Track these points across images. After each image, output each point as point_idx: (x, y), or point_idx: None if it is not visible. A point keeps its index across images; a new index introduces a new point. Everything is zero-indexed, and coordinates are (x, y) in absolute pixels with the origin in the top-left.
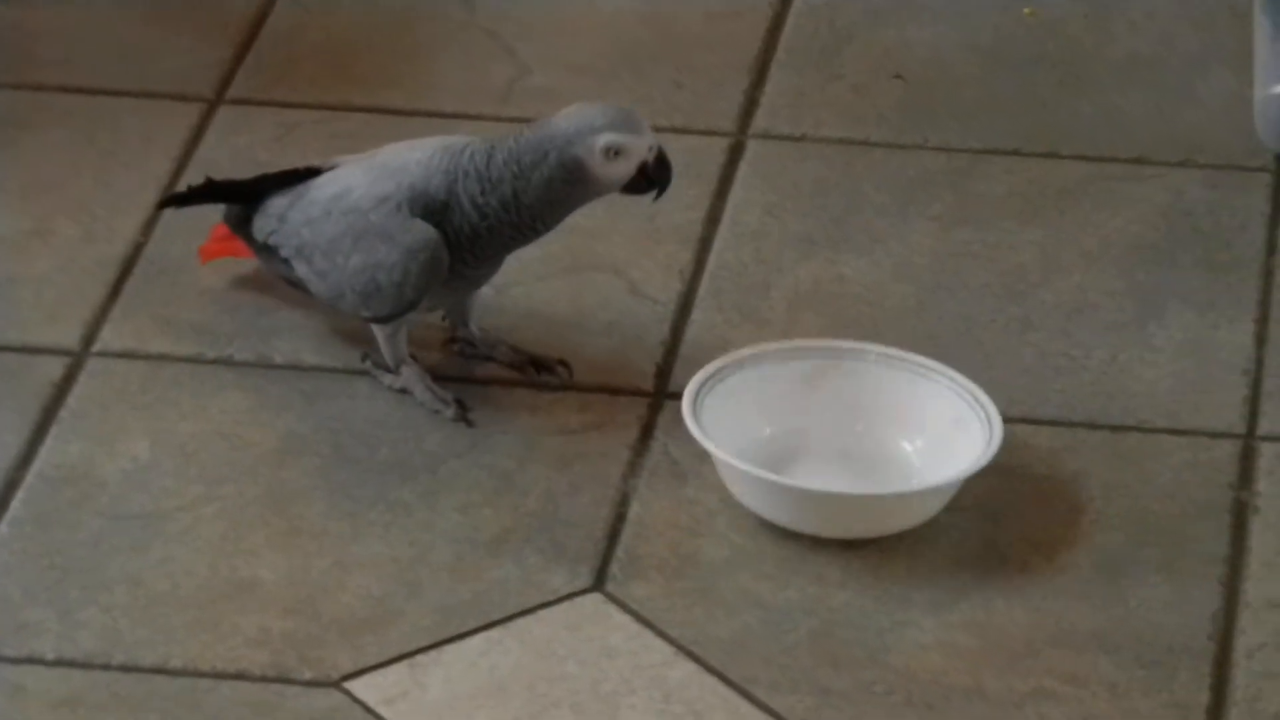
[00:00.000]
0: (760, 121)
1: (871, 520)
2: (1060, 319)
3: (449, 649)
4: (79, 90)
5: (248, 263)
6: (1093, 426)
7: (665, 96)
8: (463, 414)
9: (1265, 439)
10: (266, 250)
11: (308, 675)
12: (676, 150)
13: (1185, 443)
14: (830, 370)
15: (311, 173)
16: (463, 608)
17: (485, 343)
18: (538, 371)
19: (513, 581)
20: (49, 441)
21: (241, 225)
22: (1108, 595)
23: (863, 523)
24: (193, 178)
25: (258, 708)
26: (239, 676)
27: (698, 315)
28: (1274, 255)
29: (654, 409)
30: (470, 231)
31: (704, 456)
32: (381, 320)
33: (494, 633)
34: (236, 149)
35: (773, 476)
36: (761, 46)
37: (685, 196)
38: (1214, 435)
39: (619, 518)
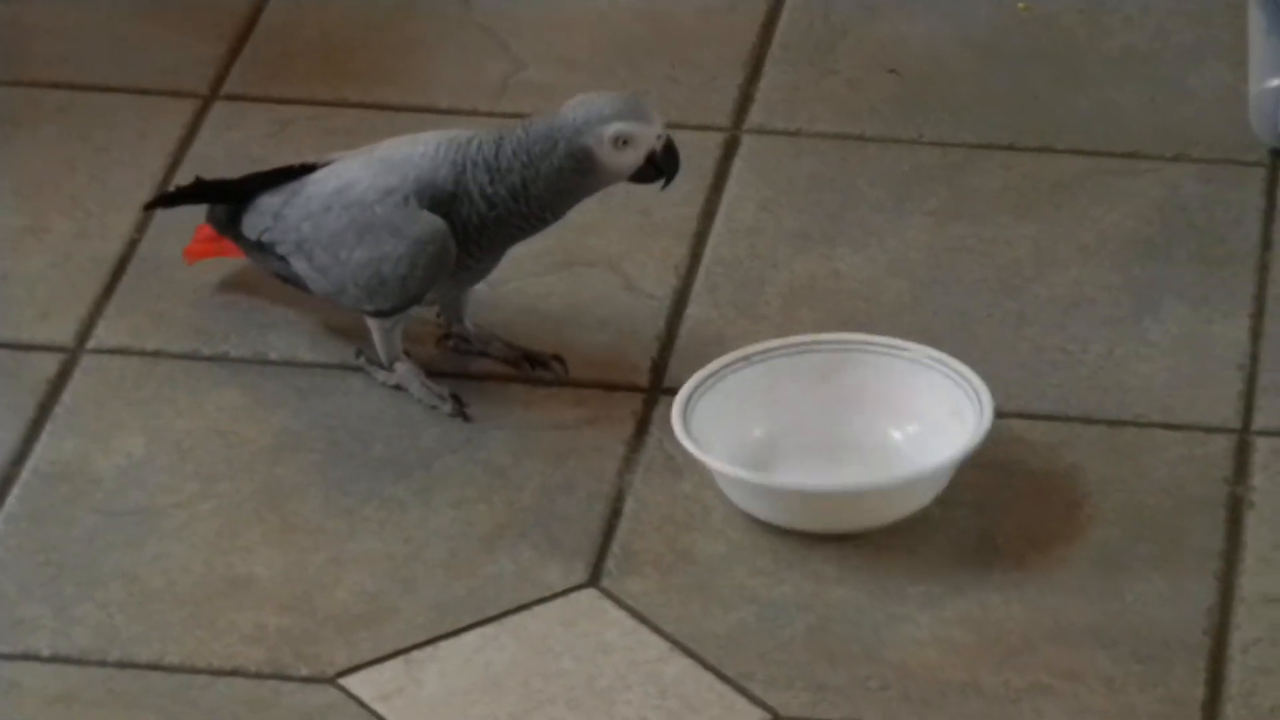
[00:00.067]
0: (755, 116)
1: (858, 513)
2: (1056, 314)
3: (444, 645)
4: (73, 86)
5: (239, 261)
6: (1088, 421)
7: (660, 91)
8: (460, 409)
9: (1260, 434)
10: (260, 248)
11: (303, 671)
12: None
13: (1181, 437)
14: (820, 364)
15: (305, 170)
16: (458, 604)
17: (480, 338)
18: (532, 367)
19: (508, 577)
20: (44, 438)
21: (229, 225)
22: (1103, 590)
23: (849, 516)
24: (187, 174)
25: (253, 704)
26: (235, 673)
27: (693, 310)
28: (1269, 250)
29: (649, 404)
30: (478, 222)
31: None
32: (384, 315)
33: (489, 628)
34: (231, 145)
35: (751, 475)
36: (756, 41)
37: (680, 191)
38: (1209, 430)
39: (614, 513)
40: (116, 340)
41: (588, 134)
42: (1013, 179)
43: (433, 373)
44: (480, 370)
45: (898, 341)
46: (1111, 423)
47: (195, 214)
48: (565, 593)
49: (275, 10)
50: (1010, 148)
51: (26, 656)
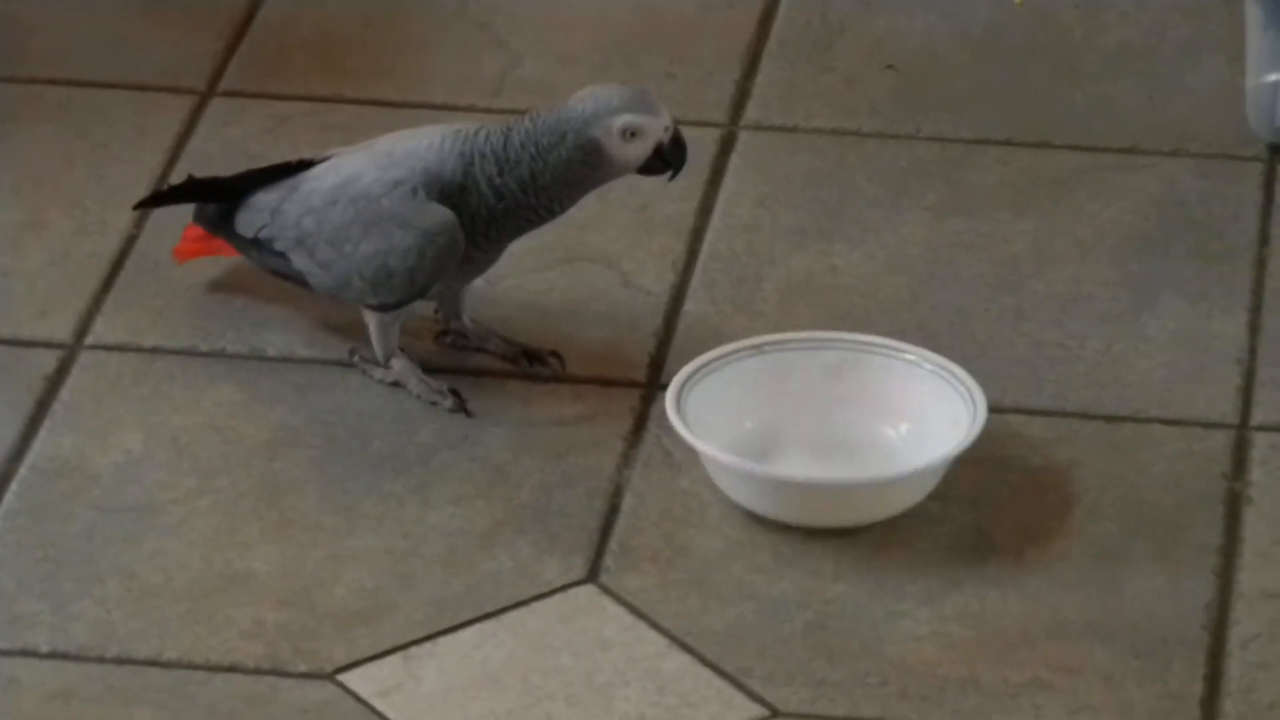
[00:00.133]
0: (752, 112)
1: (846, 508)
2: (1054, 309)
3: (443, 641)
4: (71, 83)
5: (234, 259)
6: (1086, 417)
7: (657, 87)
8: (460, 404)
9: (1259, 429)
10: (256, 245)
11: (302, 667)
12: None
13: (1179, 433)
14: (816, 360)
15: (301, 166)
16: (456, 600)
17: (477, 335)
18: (530, 363)
19: (506, 573)
20: (42, 434)
21: (220, 223)
22: (1102, 586)
23: (837, 510)
24: (185, 170)
25: (252, 700)
26: (233, 669)
27: (690, 306)
28: (1267, 245)
29: (647, 400)
30: (487, 214)
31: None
32: (388, 308)
33: (487, 625)
34: (228, 141)
35: (750, 465)
36: (753, 37)
37: (678, 188)
38: (1207, 425)
39: (612, 509)
40: (115, 337)
41: (596, 126)
42: (1010, 174)
43: (431, 369)
44: (478, 366)
45: (891, 342)
46: (1110, 418)
47: (192, 211)
48: (564, 589)
49: (272, 7)
50: (1008, 143)
51: (25, 653)
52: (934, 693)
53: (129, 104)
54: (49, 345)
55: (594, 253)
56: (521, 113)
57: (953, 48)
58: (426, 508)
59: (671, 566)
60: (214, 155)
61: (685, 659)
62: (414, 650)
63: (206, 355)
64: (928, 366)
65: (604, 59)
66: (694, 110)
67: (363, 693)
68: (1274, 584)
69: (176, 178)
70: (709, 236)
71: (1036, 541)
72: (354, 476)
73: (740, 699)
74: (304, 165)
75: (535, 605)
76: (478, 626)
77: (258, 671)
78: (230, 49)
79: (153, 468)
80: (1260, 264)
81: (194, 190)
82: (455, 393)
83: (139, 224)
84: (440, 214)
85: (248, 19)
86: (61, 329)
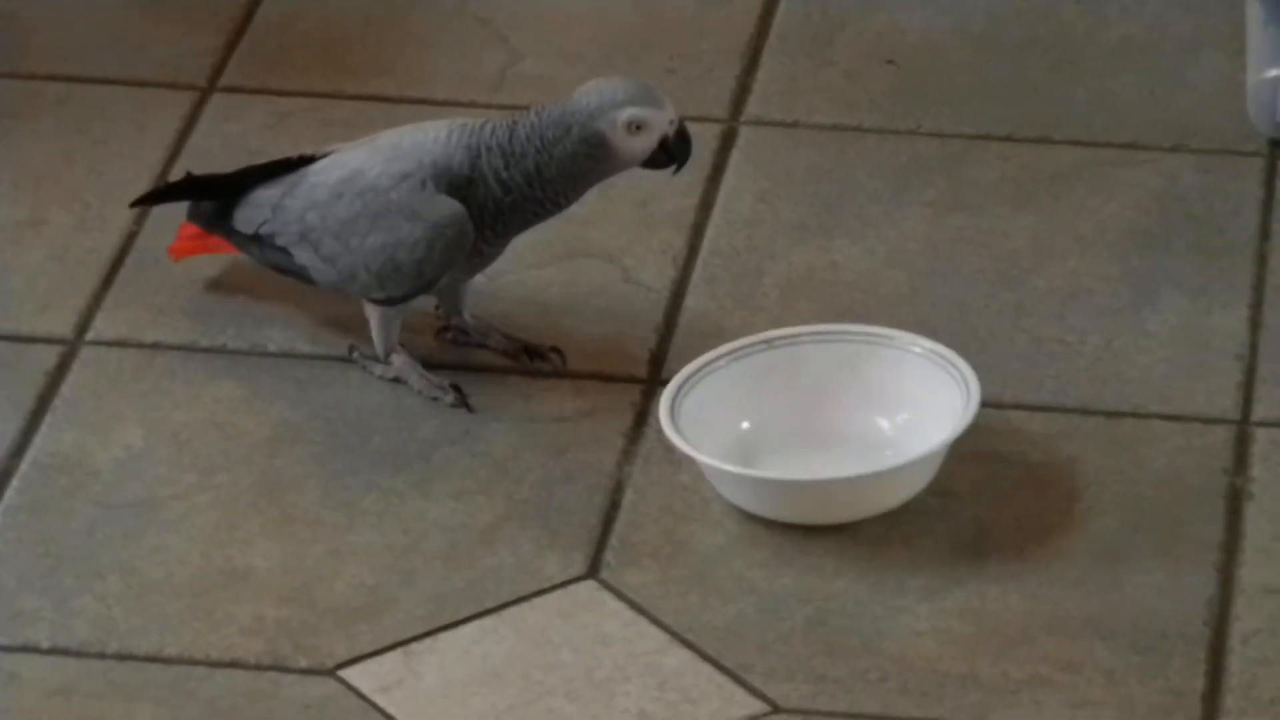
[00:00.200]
0: (753, 108)
1: (838, 505)
2: (1054, 304)
3: (443, 637)
4: (71, 79)
5: (234, 255)
6: (1087, 412)
7: (657, 83)
8: (462, 399)
9: (1259, 424)
10: (257, 242)
11: (302, 663)
12: None
13: (1179, 428)
14: (777, 360)
15: (301, 162)
16: (457, 595)
17: (478, 330)
18: (531, 359)
19: (507, 569)
20: (43, 430)
21: (217, 221)
22: (1102, 581)
23: (831, 508)
24: (185, 166)
25: (253, 696)
26: (234, 665)
27: (691, 302)
28: (1267, 240)
29: (648, 396)
30: (494, 207)
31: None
32: (394, 302)
33: (488, 620)
34: (229, 137)
35: (729, 466)
36: (754, 32)
37: (678, 183)
38: (1208, 421)
39: (613, 505)
40: (115, 332)
41: (601, 119)
42: (1011, 170)
43: (431, 365)
44: (479, 362)
45: (884, 330)
46: (1110, 414)
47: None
48: (564, 584)
49: (273, 3)
50: (1008, 139)
51: (26, 649)
52: (934, 688)
53: (129, 100)
54: (50, 341)
55: (595, 248)
56: (523, 109)
57: (953, 43)
58: (427, 503)
59: (672, 562)
60: (214, 151)
61: (686, 655)
62: (415, 646)
63: (207, 351)
64: (917, 350)
65: (604, 55)
66: (695, 106)
67: (363, 688)
68: (1275, 579)
69: (177, 174)
70: (710, 232)
71: (1037, 537)
72: (354, 472)
73: (741, 695)
74: (304, 161)
75: (536, 601)
76: (478, 622)
77: (258, 667)
78: (231, 45)
79: (153, 463)
80: (1261, 259)
81: (192, 187)
82: (457, 388)
83: (139, 220)
84: (449, 206)
85: (248, 15)
86: (62, 325)
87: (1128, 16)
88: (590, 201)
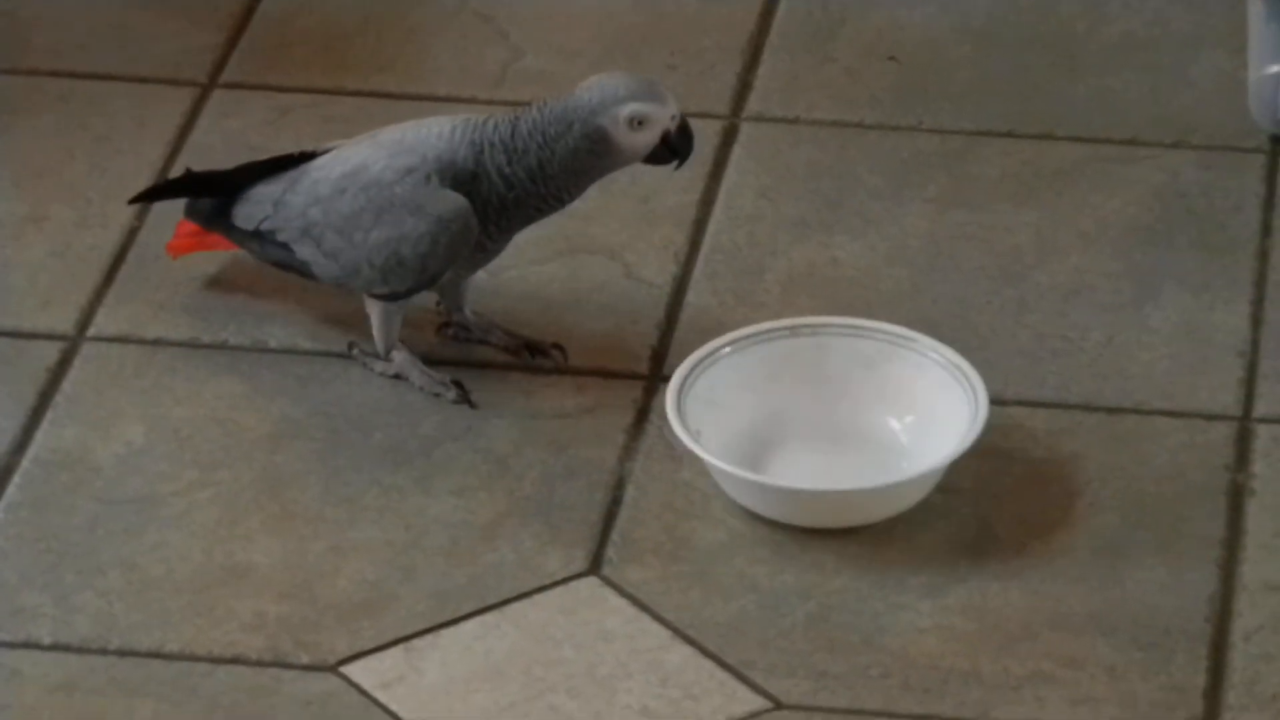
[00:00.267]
0: (754, 104)
1: (855, 512)
2: (1056, 301)
3: (445, 633)
4: (72, 75)
5: (234, 251)
6: (1089, 408)
7: (659, 79)
8: (464, 395)
9: (1261, 421)
10: (257, 238)
11: (304, 659)
12: None
13: (1181, 425)
14: (799, 348)
15: (302, 158)
16: (458, 592)
17: (480, 327)
18: (532, 355)
19: (508, 565)
20: (44, 426)
21: (216, 217)
22: (1104, 578)
23: (845, 514)
24: (186, 163)
25: (254, 692)
26: (235, 661)
27: (692, 298)
28: (1269, 236)
29: (649, 392)
30: (498, 202)
31: (700, 440)
32: (397, 298)
33: (490, 617)
34: (230, 133)
35: (749, 474)
36: (755, 29)
37: (679, 179)
38: (1210, 417)
39: (614, 501)
40: (116, 329)
41: (603, 115)
42: (1012, 166)
43: (433, 362)
44: (480, 359)
45: (907, 331)
46: (1112, 410)
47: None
48: (566, 581)
49: None
50: (1010, 135)
51: (27, 645)
52: (936, 685)
53: (130, 96)
54: (51, 337)
55: (596, 244)
56: (525, 105)
57: (954, 39)
58: (428, 499)
59: (673, 559)
60: (215, 147)
61: (687, 651)
62: (416, 642)
63: (208, 347)
64: (936, 358)
65: (605, 51)
66: (696, 102)
67: (365, 684)
68: (1277, 576)
69: (177, 170)
70: (711, 228)
71: (1038, 534)
72: (356, 468)
73: (743, 691)
74: (304, 158)
75: (537, 597)
76: (480, 618)
77: (260, 663)
78: (231, 41)
79: (154, 460)
80: (1262, 256)
81: (191, 184)
82: (459, 384)
83: (140, 216)
84: (454, 200)
85: (249, 11)
86: (63, 321)
87: (1129, 13)
88: (592, 197)
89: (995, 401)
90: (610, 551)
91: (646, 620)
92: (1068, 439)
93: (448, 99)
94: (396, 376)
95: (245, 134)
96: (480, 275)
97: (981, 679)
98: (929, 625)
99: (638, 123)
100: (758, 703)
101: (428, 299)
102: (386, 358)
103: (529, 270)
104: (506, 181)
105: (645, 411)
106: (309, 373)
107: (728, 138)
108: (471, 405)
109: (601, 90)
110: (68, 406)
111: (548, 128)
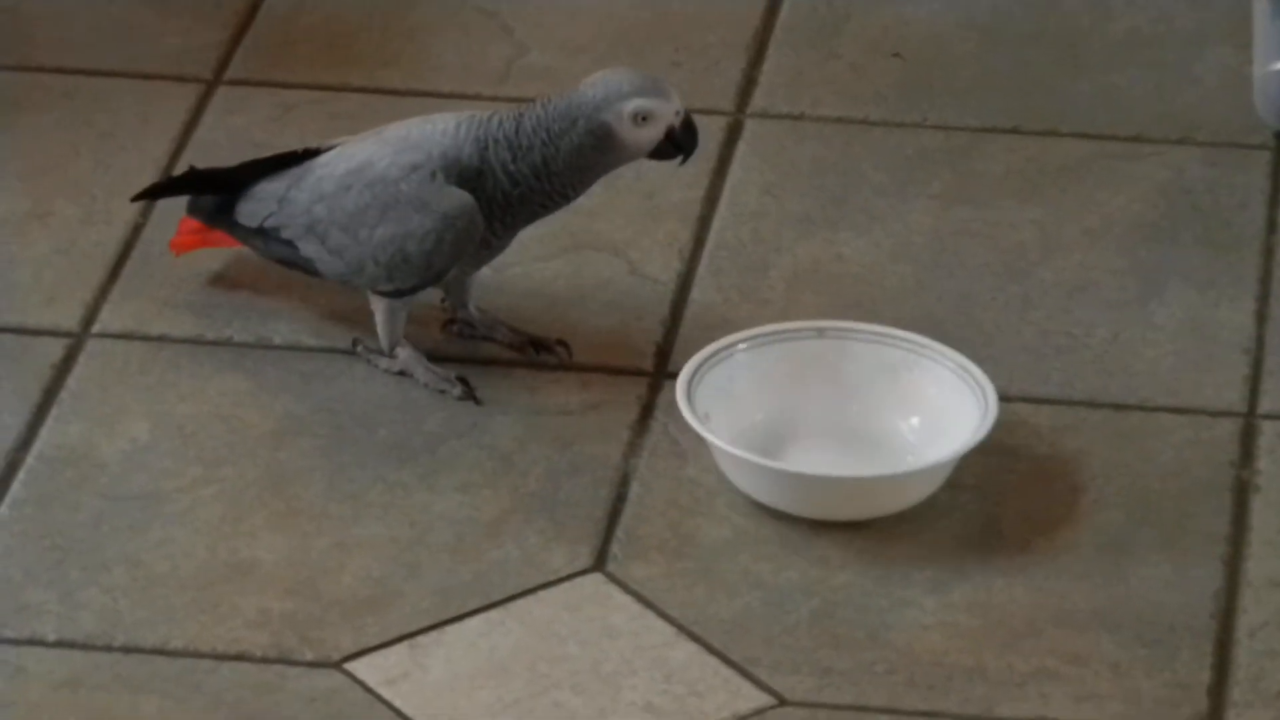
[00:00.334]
0: (758, 101)
1: (863, 502)
2: (1061, 297)
3: (449, 630)
4: (76, 72)
5: (236, 249)
6: (1093, 405)
7: (663, 75)
8: (469, 391)
9: (1266, 417)
10: (261, 235)
11: (308, 656)
12: None
13: (1186, 421)
14: (824, 350)
15: (306, 155)
16: (463, 588)
17: (484, 323)
18: (537, 352)
19: (513, 562)
20: (49, 423)
21: (219, 215)
22: (1109, 574)
23: (854, 504)
24: (191, 159)
25: (259, 689)
26: (240, 657)
27: (697, 294)
28: (1274, 233)
29: (654, 389)
30: (503, 199)
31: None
32: (401, 294)
33: (494, 613)
34: (234, 130)
35: (760, 459)
36: (759, 25)
37: (684, 175)
38: (1215, 414)
39: (619, 498)
40: (121, 325)
41: (607, 110)
42: (1017, 163)
43: (438, 358)
44: (485, 355)
45: (925, 339)
46: (1117, 407)
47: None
48: (570, 577)
49: None
50: (1014, 131)
51: (32, 641)
52: (941, 681)
53: (134, 93)
54: (55, 334)
55: (601, 241)
56: (529, 101)
57: (959, 35)
58: (433, 496)
59: (678, 555)
60: (220, 144)
61: (692, 648)
62: (421, 639)
63: (212, 344)
64: (935, 356)
65: (610, 47)
66: (700, 99)
67: (370, 681)
68: None
69: (182, 167)
70: (716, 225)
71: (1043, 530)
72: (360, 465)
73: (747, 688)
74: (308, 155)
75: (542, 594)
76: (484, 615)
77: (264, 660)
78: (236, 38)
79: (159, 456)
80: (1268, 252)
81: (195, 181)
82: (464, 380)
83: (145, 213)
84: (459, 197)
85: (253, 7)
86: (68, 318)
87: (1134, 9)
88: (596, 194)
89: (1000, 398)
90: (615, 548)
91: (651, 617)
92: (1072, 435)
93: (452, 95)
94: (401, 373)
95: (249, 131)
96: (485, 272)
97: (986, 675)
98: (933, 622)
99: (642, 119)
100: (762, 699)
101: (432, 295)
102: (391, 354)
103: (533, 267)
104: (511, 178)
105: (650, 408)
106: (313, 369)
107: (732, 134)
108: (476, 402)
109: (606, 86)
110: (72, 403)
111: (552, 124)
